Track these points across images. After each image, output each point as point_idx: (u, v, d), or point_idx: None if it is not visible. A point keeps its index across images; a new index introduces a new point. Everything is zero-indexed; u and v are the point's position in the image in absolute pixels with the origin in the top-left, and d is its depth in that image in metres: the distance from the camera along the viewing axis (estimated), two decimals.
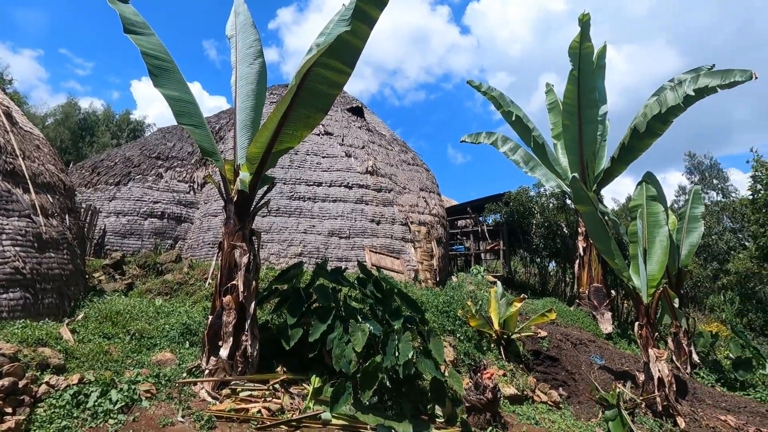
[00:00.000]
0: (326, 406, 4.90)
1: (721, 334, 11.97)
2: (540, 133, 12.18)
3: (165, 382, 4.89)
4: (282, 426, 4.68)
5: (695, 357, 9.28)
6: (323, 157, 11.76)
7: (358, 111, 14.24)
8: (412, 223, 11.07)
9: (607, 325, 10.50)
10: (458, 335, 7.67)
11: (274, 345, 5.82)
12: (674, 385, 7.02)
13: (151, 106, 71.24)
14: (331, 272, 6.35)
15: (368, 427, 4.83)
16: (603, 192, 12.19)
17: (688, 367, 9.05)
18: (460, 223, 17.73)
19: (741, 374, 8.61)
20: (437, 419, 5.43)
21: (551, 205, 14.26)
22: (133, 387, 4.54)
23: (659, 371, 6.99)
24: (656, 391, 6.92)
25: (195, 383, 4.99)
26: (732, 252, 21.38)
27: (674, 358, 9.20)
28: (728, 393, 8.24)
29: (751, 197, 18.27)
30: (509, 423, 5.82)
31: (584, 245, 11.45)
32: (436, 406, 5.52)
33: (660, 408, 6.83)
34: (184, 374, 5.13)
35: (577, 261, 11.72)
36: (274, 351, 5.86)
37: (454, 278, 12.13)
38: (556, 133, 12.64)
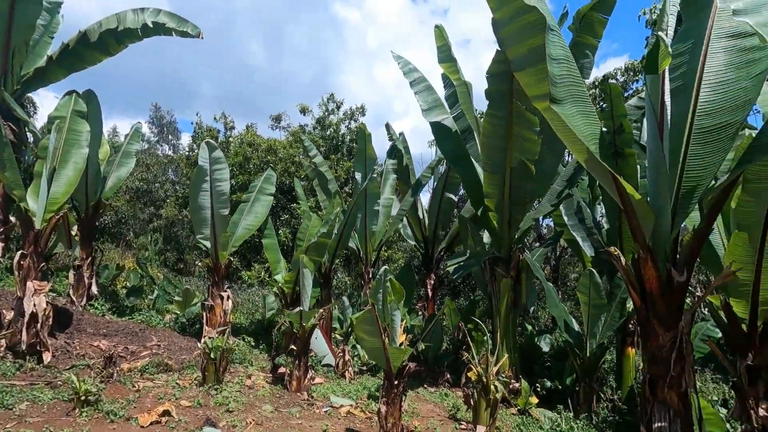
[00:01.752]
0: None
1: (131, 267, 12.74)
2: None
3: None
4: None
5: (95, 289, 9.11)
6: None
7: None
8: None
9: None
10: None
11: None
12: (51, 319, 6.32)
13: None
14: None
15: None
16: (36, 98, 9.77)
17: (84, 299, 8.74)
18: None
19: (131, 300, 9.29)
20: None
21: None
22: None
23: (35, 306, 6.06)
24: (25, 328, 5.94)
25: None
26: (168, 200, 24.09)
27: (71, 290, 8.62)
28: (115, 319, 8.57)
29: (187, 155, 21.40)
30: None
31: None
32: None
33: (24, 347, 5.91)
34: None
35: None
36: None
37: None
38: None
